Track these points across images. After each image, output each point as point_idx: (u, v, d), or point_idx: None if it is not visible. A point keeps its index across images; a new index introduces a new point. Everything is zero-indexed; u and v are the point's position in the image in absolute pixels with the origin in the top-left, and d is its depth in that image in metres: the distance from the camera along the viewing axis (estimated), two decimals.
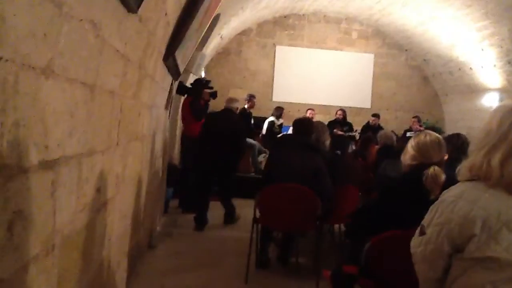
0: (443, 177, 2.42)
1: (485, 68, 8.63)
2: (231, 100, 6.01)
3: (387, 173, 4.18)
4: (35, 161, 1.27)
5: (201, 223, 5.45)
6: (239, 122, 5.92)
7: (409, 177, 2.61)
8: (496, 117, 1.47)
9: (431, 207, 1.56)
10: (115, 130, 2.32)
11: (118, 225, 2.70)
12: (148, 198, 3.93)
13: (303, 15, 10.71)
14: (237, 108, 6.11)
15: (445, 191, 1.54)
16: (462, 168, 1.53)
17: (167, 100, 4.83)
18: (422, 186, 2.43)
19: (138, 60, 2.54)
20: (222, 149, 5.40)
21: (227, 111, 5.75)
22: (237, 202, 5.92)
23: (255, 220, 4.00)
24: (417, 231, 1.59)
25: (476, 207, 1.39)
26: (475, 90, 9.34)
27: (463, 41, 8.61)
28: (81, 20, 1.46)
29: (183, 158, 6.63)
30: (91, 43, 1.64)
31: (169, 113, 5.47)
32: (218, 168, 5.51)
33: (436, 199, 1.57)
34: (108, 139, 2.18)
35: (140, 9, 1.99)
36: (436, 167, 2.48)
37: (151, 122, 3.80)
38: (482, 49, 8.26)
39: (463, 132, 6.65)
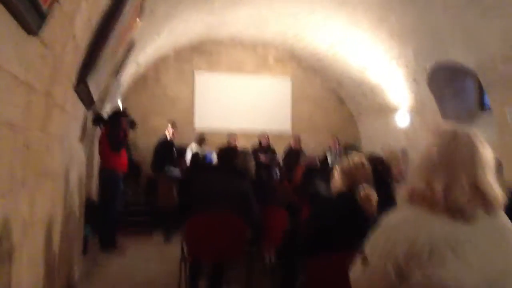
0: (375, 195, 2.42)
1: (394, 88, 9.15)
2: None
3: (317, 191, 4.20)
4: None
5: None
6: None
7: (342, 199, 2.59)
8: (437, 143, 1.44)
9: (372, 234, 1.48)
10: (19, 169, 2.04)
11: (27, 274, 2.38)
12: (63, 240, 3.57)
13: (220, 41, 10.74)
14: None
15: (385, 216, 1.47)
16: (402, 192, 1.47)
17: (81, 131, 4.51)
18: (357, 207, 2.41)
19: (43, 87, 2.29)
20: None
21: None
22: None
23: (183, 259, 3.79)
24: (359, 260, 1.50)
25: (422, 232, 1.33)
26: (386, 109, 9.86)
27: (373, 62, 9.07)
28: None
29: (101, 192, 6.21)
30: None
31: (85, 145, 5.11)
32: None
33: (374, 217, 1.51)
34: (10, 180, 1.91)
35: (41, 31, 1.78)
36: (366, 185, 2.49)
37: (64, 157, 3.47)
38: (391, 70, 8.76)
39: (377, 149, 6.97)
